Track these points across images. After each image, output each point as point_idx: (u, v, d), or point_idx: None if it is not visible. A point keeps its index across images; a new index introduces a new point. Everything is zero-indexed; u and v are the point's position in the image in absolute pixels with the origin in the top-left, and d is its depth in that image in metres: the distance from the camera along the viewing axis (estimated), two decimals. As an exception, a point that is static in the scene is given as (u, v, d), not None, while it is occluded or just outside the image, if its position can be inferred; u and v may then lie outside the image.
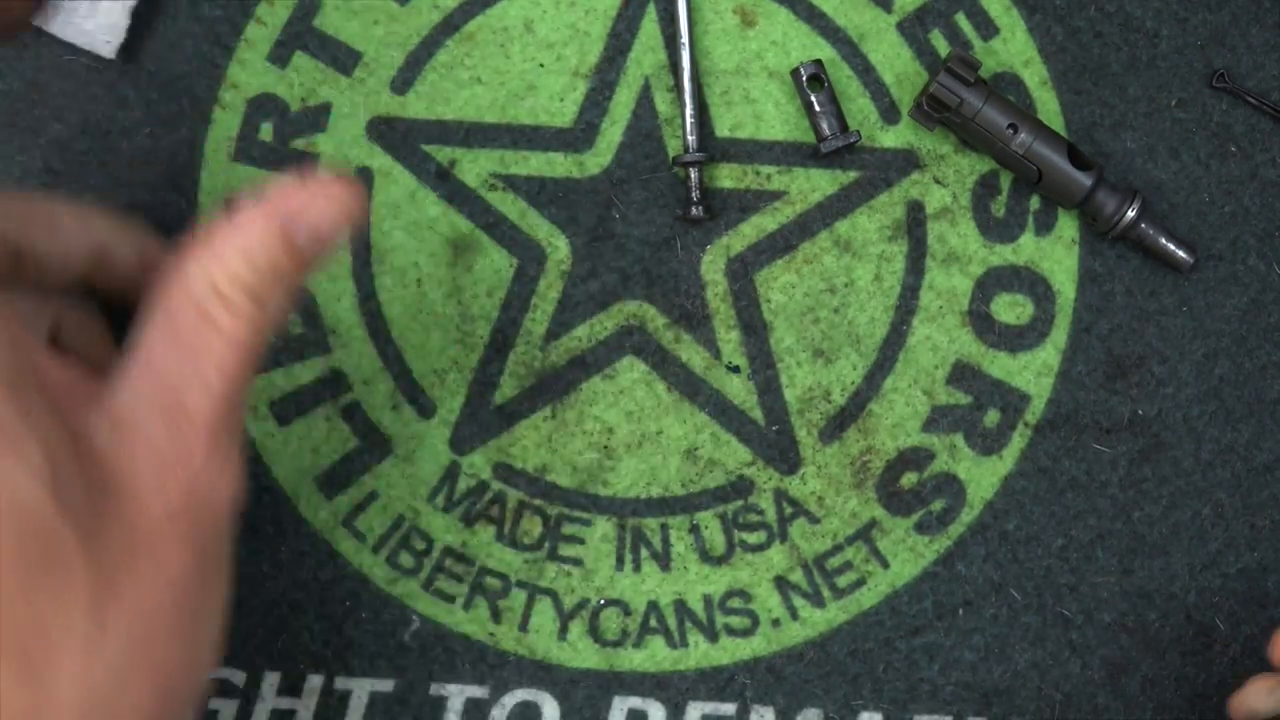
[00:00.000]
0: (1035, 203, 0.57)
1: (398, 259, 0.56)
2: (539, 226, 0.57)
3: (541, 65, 0.57)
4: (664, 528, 0.56)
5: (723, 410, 0.56)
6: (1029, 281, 0.57)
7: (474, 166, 0.57)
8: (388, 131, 0.57)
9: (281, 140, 0.56)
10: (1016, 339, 0.57)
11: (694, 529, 0.56)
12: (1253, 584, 0.56)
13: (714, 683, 0.56)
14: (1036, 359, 0.57)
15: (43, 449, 0.30)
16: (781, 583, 0.56)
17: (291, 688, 0.55)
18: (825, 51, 0.57)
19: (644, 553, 0.56)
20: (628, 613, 0.56)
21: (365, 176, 0.57)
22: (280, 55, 0.57)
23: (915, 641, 0.56)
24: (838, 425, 0.56)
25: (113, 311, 0.51)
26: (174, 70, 0.57)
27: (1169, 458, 0.56)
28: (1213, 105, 0.57)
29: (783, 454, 0.56)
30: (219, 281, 0.34)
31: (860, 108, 0.57)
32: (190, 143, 0.57)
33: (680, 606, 0.56)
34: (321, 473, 0.56)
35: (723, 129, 0.57)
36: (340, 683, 0.56)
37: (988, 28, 0.57)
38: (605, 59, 0.57)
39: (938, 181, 0.57)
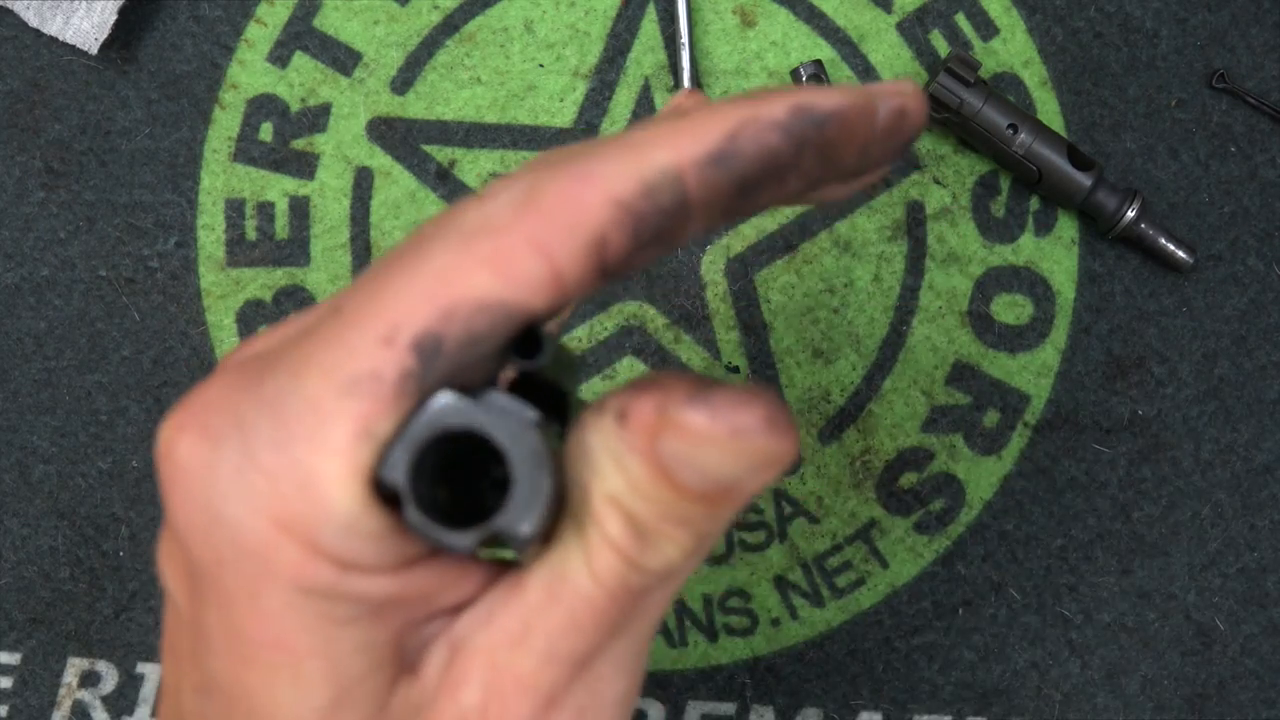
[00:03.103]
0: (1035, 203, 0.57)
1: (398, 259, 0.56)
2: (539, 226, 0.57)
3: (541, 65, 0.57)
4: (664, 527, 0.56)
5: (722, 410, 0.56)
6: (1029, 282, 0.57)
7: (474, 166, 0.57)
8: (388, 131, 0.57)
9: (282, 140, 0.57)
10: (1016, 339, 0.57)
11: (694, 529, 0.56)
12: (1253, 584, 0.56)
13: (713, 682, 0.56)
14: (1036, 359, 0.57)
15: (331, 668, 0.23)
16: (781, 582, 0.56)
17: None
18: (825, 51, 0.57)
19: (644, 552, 0.56)
20: (627, 612, 0.56)
21: (365, 176, 0.57)
22: (280, 55, 0.57)
23: (914, 641, 0.56)
24: (837, 425, 0.56)
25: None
26: (174, 70, 0.57)
27: (1169, 458, 0.56)
28: (1213, 105, 0.57)
29: (782, 454, 0.56)
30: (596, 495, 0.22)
31: (860, 108, 0.57)
32: (190, 143, 0.57)
33: (680, 606, 0.56)
34: (321, 472, 0.56)
35: (722, 129, 0.57)
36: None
37: (988, 28, 0.57)
38: (605, 59, 0.57)
39: (937, 182, 0.57)
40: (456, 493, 0.23)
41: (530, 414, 0.21)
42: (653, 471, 0.21)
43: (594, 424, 0.22)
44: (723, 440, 0.21)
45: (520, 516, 0.21)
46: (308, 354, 0.22)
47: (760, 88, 0.24)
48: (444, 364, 0.21)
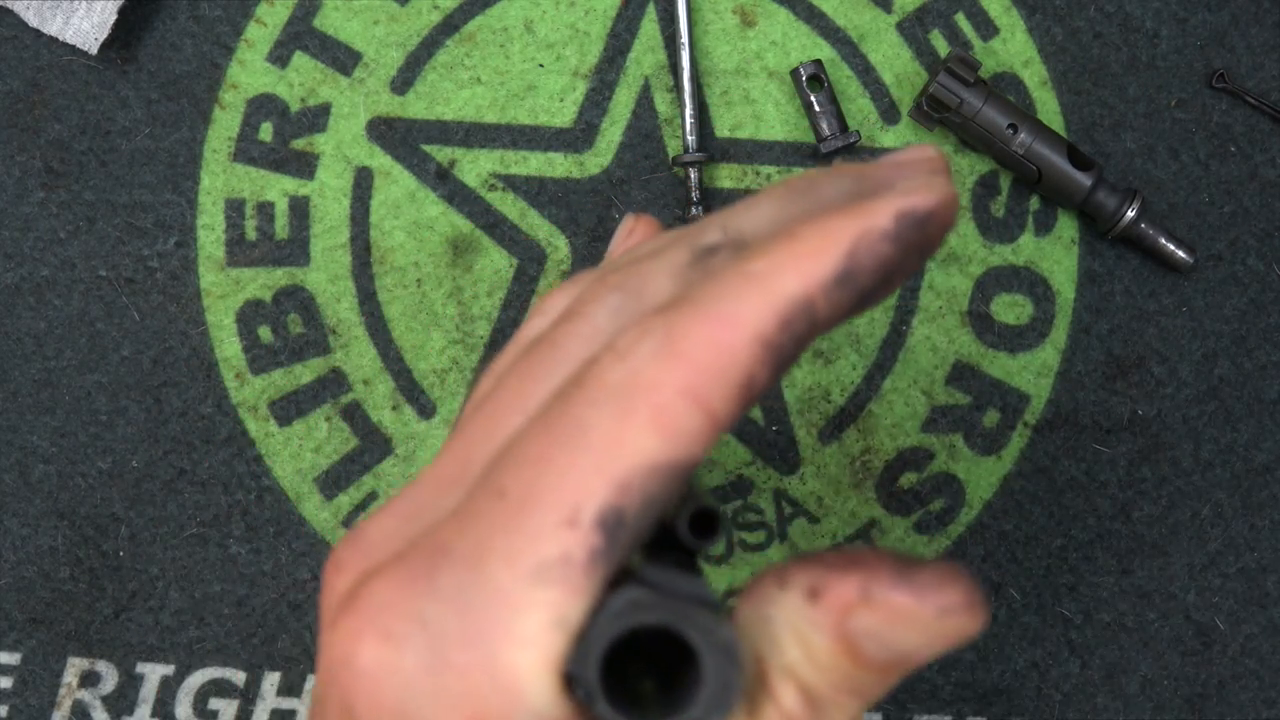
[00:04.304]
0: (1035, 203, 0.57)
1: (398, 259, 0.56)
2: (539, 226, 0.57)
3: (541, 65, 0.57)
4: (664, 527, 0.56)
5: (722, 410, 0.56)
6: (1029, 282, 0.57)
7: (474, 166, 0.57)
8: (388, 131, 0.57)
9: (282, 140, 0.57)
10: (1016, 339, 0.57)
11: (694, 529, 0.56)
12: (1253, 584, 0.56)
13: (713, 682, 0.56)
14: (1036, 359, 0.57)
15: None
16: (781, 582, 0.56)
17: (291, 688, 0.55)
18: (825, 51, 0.57)
19: (644, 552, 0.56)
20: (627, 612, 0.56)
21: (365, 176, 0.57)
22: (280, 55, 0.57)
23: (915, 641, 0.56)
24: (837, 425, 0.56)
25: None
26: (174, 70, 0.57)
27: (1168, 458, 0.56)
28: (1213, 105, 0.57)
29: (782, 454, 0.56)
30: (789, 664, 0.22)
31: (860, 108, 0.57)
32: (190, 143, 0.57)
33: (680, 606, 0.56)
34: (321, 473, 0.56)
35: (722, 129, 0.57)
36: (340, 682, 0.56)
37: (988, 28, 0.57)
38: (605, 59, 0.57)
39: (937, 181, 0.57)
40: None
41: (714, 600, 0.21)
42: (839, 646, 0.21)
43: (776, 599, 0.22)
44: (927, 620, 0.21)
45: (712, 711, 0.21)
46: (483, 542, 0.21)
47: (828, 173, 0.24)
48: (627, 537, 0.21)
